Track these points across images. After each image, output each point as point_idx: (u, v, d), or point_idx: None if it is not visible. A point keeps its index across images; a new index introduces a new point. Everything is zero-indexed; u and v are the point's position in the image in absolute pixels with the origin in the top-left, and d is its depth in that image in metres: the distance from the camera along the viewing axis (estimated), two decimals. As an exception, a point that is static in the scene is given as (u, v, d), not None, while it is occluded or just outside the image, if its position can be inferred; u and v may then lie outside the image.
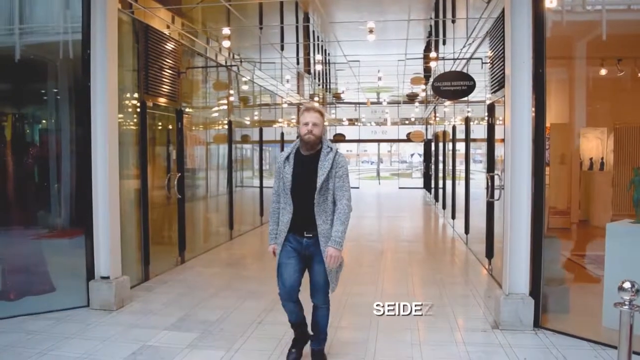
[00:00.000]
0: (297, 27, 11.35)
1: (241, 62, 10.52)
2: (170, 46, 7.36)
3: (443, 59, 10.82)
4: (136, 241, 6.58)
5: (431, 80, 15.45)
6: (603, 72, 8.72)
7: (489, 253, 7.43)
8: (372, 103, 21.24)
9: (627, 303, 2.38)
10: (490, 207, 7.28)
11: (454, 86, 7.40)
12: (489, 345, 4.52)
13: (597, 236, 8.63)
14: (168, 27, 7.44)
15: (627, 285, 2.39)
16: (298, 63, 13.15)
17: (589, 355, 4.26)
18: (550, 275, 5.16)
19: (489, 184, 6.73)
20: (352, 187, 4.01)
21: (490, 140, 7.37)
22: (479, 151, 9.92)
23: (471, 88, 7.44)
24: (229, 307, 5.61)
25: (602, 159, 10.96)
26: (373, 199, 21.55)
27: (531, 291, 4.92)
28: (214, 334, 4.80)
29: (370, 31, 7.57)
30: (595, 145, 10.85)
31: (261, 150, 12.14)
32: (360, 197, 21.04)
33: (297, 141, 3.91)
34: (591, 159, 10.77)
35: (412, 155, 42.50)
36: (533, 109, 4.84)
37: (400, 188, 25.66)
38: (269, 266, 5.31)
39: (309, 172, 3.76)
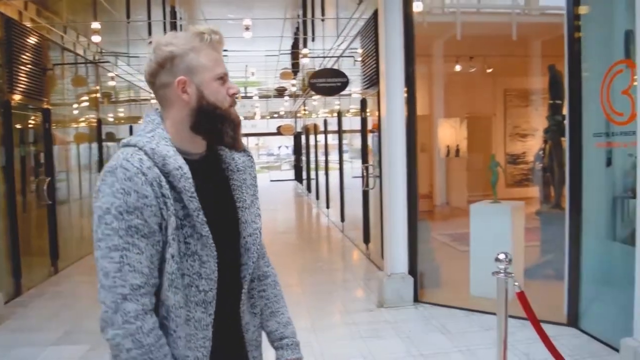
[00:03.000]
0: (164, 23, 11.06)
1: (116, 57, 10.06)
2: (35, 41, 6.84)
3: (318, 56, 11.19)
4: (4, 253, 6.06)
5: (300, 75, 15.88)
6: (458, 68, 9.68)
7: (366, 238, 7.92)
8: (243, 97, 21.24)
9: (502, 271, 2.78)
10: (366, 195, 7.75)
11: (329, 83, 7.75)
12: (377, 322, 4.89)
13: (458, 216, 9.61)
14: (32, 20, 6.93)
15: (502, 256, 2.79)
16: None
17: (462, 321, 4.79)
18: (424, 254, 5.68)
19: (365, 173, 7.18)
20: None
21: (364, 132, 7.84)
22: (347, 142, 10.49)
23: (345, 84, 7.85)
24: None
25: (458, 146, 12.10)
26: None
27: (410, 270, 5.38)
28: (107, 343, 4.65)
29: (247, 28, 7.66)
30: (450, 133, 11.94)
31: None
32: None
33: (157, 130, 1.37)
34: (448, 146, 11.85)
35: (279, 147, 43.09)
36: (405, 103, 5.29)
37: (271, 181, 25.97)
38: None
39: (221, 205, 1.47)
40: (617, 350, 3.59)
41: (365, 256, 7.86)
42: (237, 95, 1.46)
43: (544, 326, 2.79)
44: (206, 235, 1.33)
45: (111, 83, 10.33)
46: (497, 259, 2.79)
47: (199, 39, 1.38)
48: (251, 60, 16.18)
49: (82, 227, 8.50)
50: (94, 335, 4.77)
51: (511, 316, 2.91)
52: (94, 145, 9.30)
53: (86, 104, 9.09)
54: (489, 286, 5.14)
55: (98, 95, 9.54)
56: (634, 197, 4.08)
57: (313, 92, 11.22)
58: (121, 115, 11.33)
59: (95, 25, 7.74)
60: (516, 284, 2.73)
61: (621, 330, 3.57)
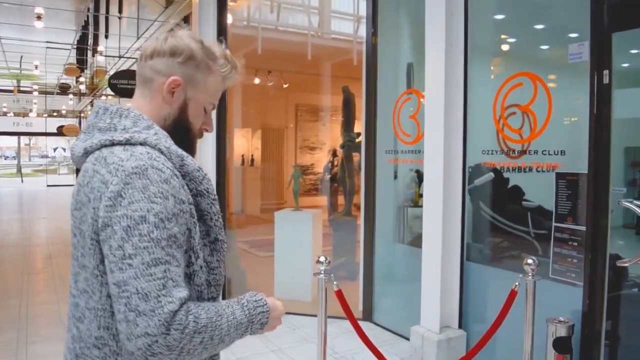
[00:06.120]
0: None
1: None
2: None
3: (113, 55, 10.57)
4: None
5: (88, 72, 14.82)
6: (256, 80, 10.07)
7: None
8: (20, 91, 18.76)
9: (322, 272, 3.08)
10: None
11: (131, 85, 7.42)
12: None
13: (254, 223, 9.97)
14: None
15: (322, 259, 3.08)
16: None
17: (271, 324, 5.05)
18: (228, 261, 5.83)
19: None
20: None
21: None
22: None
23: (148, 88, 7.59)
24: None
25: (252, 156, 12.57)
26: (20, 200, 19.20)
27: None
28: None
29: (39, 17, 6.92)
30: (245, 143, 12.37)
31: None
32: (2, 198, 18.57)
33: (155, 127, 1.21)
34: (243, 155, 12.25)
35: (55, 149, 39.32)
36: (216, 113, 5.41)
37: (49, 186, 23.49)
38: None
39: None
40: (405, 338, 4.18)
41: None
42: (207, 131, 1.36)
43: (342, 322, 3.13)
44: (222, 240, 1.24)
45: None
46: (318, 261, 3.07)
47: (219, 63, 1.29)
48: (29, 50, 14.59)
49: None
50: None
51: (314, 315, 3.18)
52: None
53: None
54: (293, 288, 5.54)
55: None
56: (414, 205, 4.82)
57: (107, 93, 10.58)
58: None
59: None
60: (335, 283, 3.05)
61: (407, 320, 4.17)
